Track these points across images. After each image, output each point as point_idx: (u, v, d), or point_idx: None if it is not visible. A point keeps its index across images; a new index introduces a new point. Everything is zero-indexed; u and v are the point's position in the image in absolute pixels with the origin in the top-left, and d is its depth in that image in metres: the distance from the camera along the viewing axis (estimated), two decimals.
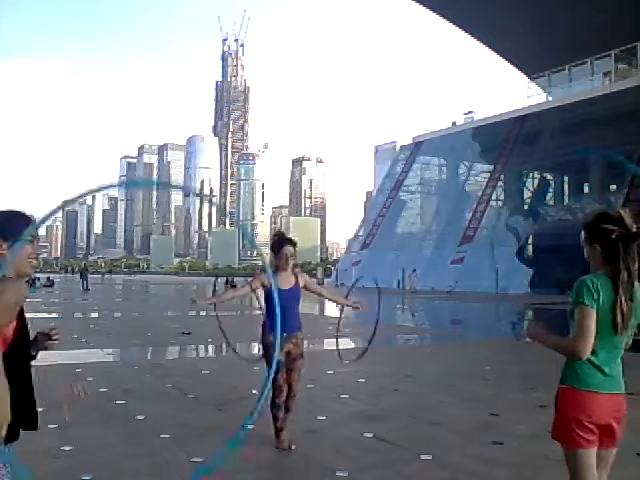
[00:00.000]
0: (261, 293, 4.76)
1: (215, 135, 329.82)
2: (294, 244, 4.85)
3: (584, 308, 2.42)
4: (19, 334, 1.88)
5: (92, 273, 72.46)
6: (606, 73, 44.16)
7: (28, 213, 1.96)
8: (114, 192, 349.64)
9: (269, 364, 4.63)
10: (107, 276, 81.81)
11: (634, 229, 2.44)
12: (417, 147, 56.23)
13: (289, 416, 4.84)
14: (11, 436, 1.86)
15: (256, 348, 10.32)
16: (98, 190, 1.80)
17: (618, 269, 2.43)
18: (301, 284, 4.85)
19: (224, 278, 37.68)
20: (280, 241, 4.82)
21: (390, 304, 28.41)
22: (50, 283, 37.93)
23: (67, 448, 4.56)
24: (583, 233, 2.60)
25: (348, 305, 5.20)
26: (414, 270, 38.66)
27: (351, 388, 7.12)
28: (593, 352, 2.45)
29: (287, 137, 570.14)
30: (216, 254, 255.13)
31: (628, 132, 35.93)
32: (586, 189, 47.65)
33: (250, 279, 4.89)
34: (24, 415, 1.92)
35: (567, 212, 43.76)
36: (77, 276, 58.65)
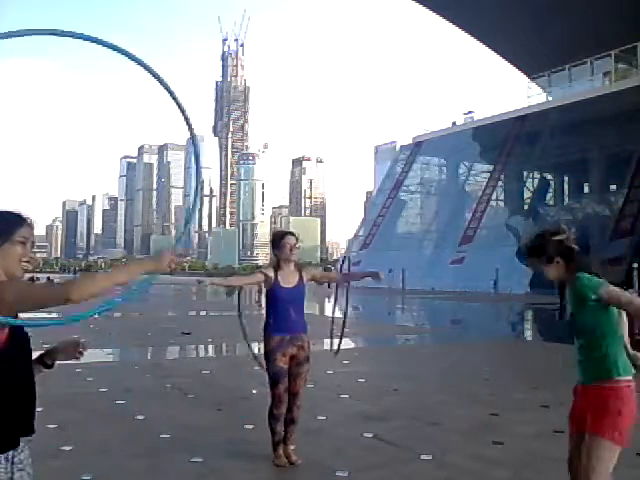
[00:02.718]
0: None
1: (215, 135, 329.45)
2: (295, 236, 4.47)
3: (609, 285, 2.41)
4: (12, 336, 1.84)
5: None
6: (606, 73, 44.20)
7: (24, 214, 1.90)
8: (114, 192, 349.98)
9: (269, 374, 4.29)
10: None
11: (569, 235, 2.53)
12: (417, 147, 56.32)
13: (294, 428, 4.36)
14: (6, 444, 1.82)
15: (256, 349, 10.35)
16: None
17: (579, 269, 2.47)
18: (307, 278, 4.45)
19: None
20: (280, 233, 4.45)
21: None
22: (50, 283, 37.98)
23: (67, 448, 4.55)
24: (532, 260, 2.60)
25: (367, 276, 4.86)
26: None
27: (351, 388, 7.12)
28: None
29: (287, 137, 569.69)
30: (216, 254, 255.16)
31: (628, 132, 36.00)
32: (586, 189, 47.71)
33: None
34: (22, 420, 1.88)
35: (567, 212, 43.78)
36: (77, 276, 58.58)
